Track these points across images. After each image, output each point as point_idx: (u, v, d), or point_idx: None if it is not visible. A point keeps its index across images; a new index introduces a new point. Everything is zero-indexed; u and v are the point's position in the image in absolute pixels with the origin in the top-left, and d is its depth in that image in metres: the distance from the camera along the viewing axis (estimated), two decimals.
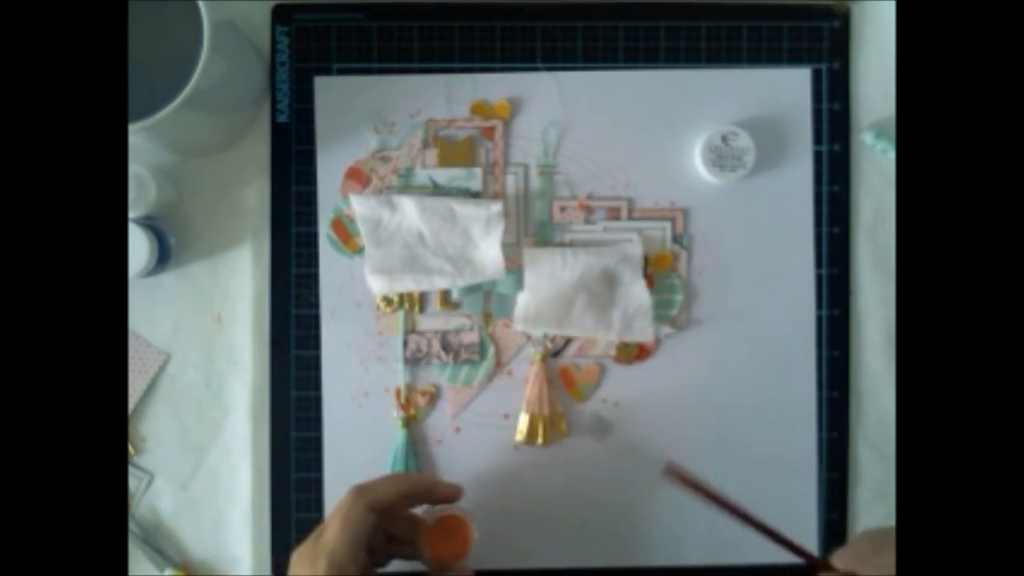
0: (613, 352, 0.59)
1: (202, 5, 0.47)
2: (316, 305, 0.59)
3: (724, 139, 0.58)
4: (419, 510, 0.53)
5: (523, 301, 0.58)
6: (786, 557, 0.48)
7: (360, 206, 0.58)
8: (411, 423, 0.59)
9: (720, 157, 0.58)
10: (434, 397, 0.59)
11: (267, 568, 0.58)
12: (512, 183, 0.59)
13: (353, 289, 0.59)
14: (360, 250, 0.59)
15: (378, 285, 0.58)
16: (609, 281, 0.58)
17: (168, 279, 0.59)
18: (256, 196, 0.59)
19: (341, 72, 0.59)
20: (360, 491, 0.47)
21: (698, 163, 0.58)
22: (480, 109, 0.59)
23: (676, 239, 0.59)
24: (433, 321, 0.59)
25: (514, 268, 0.58)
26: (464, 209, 0.58)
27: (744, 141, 0.57)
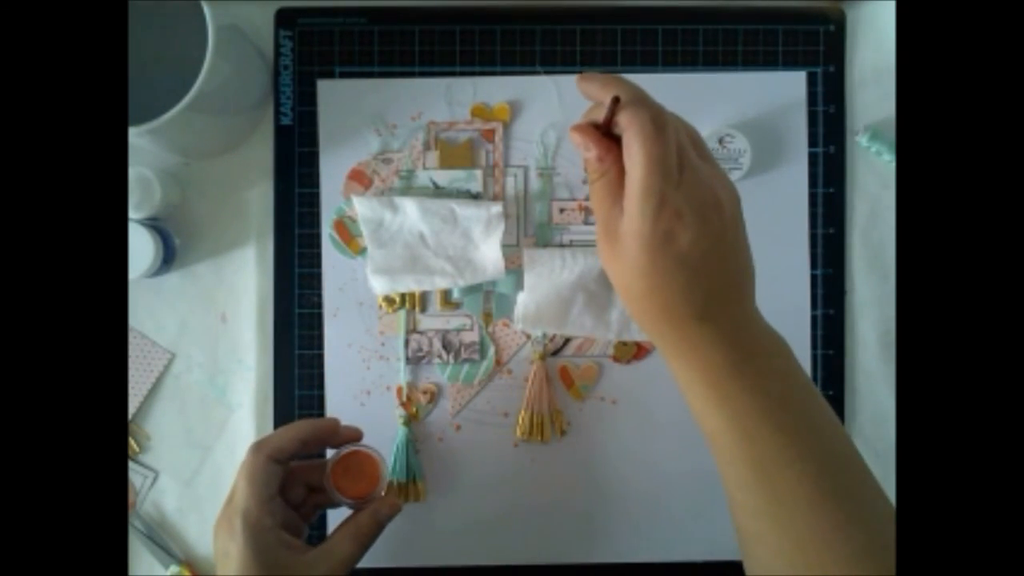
0: (611, 351, 0.60)
1: (207, 10, 0.47)
2: (319, 305, 0.59)
3: (721, 141, 0.58)
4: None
5: (523, 301, 0.59)
6: None
7: (362, 207, 0.58)
8: (412, 421, 0.59)
9: (717, 159, 0.58)
10: (435, 395, 0.60)
11: None
12: (512, 185, 0.60)
13: (355, 289, 0.60)
14: (362, 251, 0.59)
15: (380, 285, 0.59)
16: (607, 281, 0.59)
17: (173, 279, 0.60)
18: (260, 197, 0.60)
19: (344, 75, 0.60)
20: (258, 445, 0.48)
21: None
22: (480, 112, 0.60)
23: None
24: (434, 321, 0.60)
25: (514, 268, 0.59)
26: (465, 210, 0.58)
27: (740, 143, 0.58)
